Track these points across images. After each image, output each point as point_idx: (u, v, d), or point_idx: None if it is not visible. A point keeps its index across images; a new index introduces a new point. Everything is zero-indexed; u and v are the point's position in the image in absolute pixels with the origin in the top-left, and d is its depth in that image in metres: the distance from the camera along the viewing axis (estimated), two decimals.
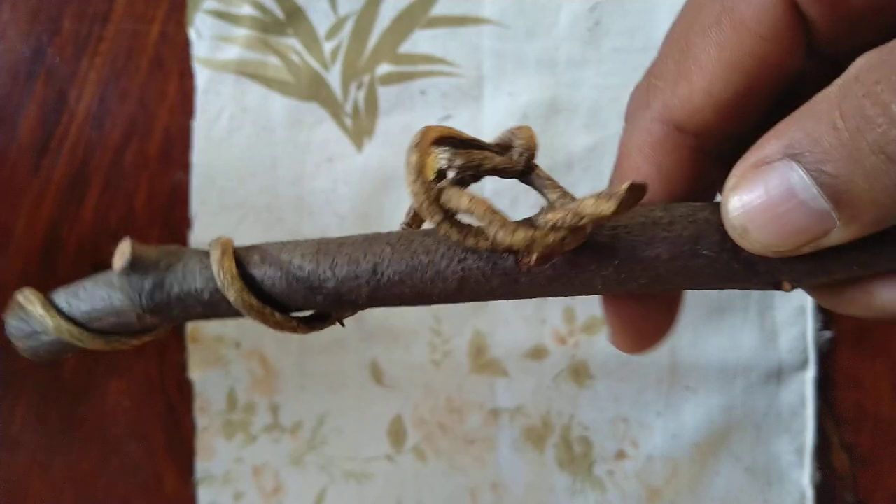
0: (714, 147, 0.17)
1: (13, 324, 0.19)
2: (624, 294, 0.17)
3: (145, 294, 0.17)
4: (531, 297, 0.16)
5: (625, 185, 0.14)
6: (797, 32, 0.15)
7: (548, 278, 0.15)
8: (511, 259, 0.15)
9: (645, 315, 0.18)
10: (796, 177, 0.13)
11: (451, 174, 0.16)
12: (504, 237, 0.14)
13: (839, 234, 0.13)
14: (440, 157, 0.15)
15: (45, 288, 0.37)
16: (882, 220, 0.13)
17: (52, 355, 0.19)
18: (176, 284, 0.17)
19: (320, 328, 0.18)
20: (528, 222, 0.15)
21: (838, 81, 0.13)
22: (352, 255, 0.16)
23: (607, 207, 0.14)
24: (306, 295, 0.17)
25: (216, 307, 0.17)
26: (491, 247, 0.15)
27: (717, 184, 0.17)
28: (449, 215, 0.15)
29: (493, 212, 0.15)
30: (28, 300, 0.18)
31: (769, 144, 0.14)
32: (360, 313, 0.35)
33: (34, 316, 0.18)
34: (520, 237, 0.14)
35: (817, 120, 0.13)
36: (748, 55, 0.15)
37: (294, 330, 0.17)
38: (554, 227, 0.14)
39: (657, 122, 0.17)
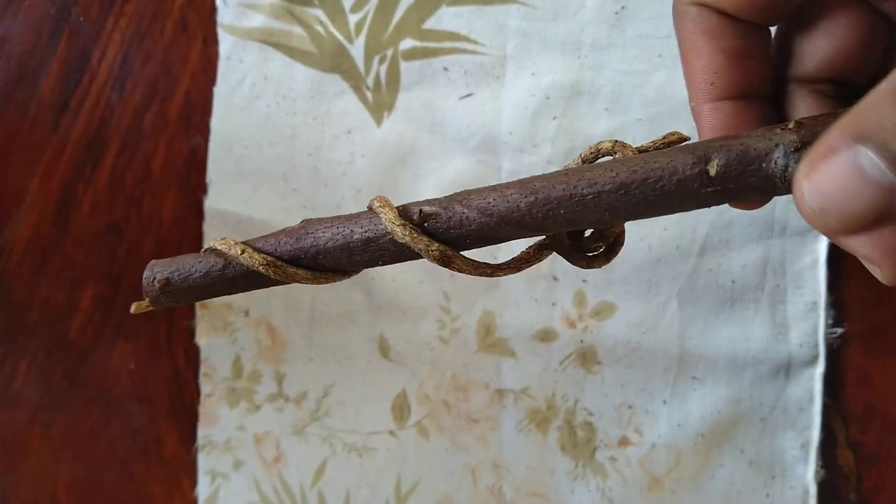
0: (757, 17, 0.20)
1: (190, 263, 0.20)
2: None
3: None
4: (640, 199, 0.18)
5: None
6: None
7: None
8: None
9: None
10: (864, 158, 0.15)
11: None
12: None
13: None
14: None
15: (57, 245, 0.37)
16: None
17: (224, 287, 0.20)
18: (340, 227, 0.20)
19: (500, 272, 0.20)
20: None
21: (889, 79, 0.15)
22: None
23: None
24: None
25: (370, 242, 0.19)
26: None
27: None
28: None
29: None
30: (221, 243, 0.20)
31: (834, 135, 0.15)
32: (371, 286, 0.35)
33: (228, 254, 0.20)
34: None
35: (878, 109, 0.15)
36: None
37: (486, 273, 0.20)
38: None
39: (692, 5, 0.20)
